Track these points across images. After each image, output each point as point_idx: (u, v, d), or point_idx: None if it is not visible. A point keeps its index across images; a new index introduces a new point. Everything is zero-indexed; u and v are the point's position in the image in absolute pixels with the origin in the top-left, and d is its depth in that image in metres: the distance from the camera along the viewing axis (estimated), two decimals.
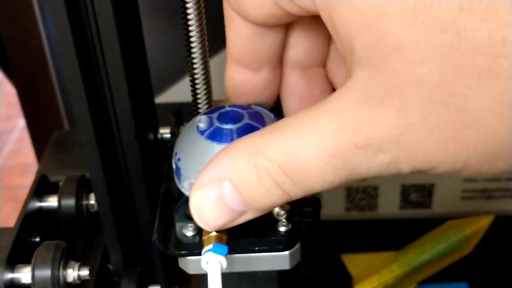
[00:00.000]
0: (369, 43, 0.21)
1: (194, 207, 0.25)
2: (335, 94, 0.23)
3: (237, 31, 0.28)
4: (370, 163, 0.22)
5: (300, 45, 0.29)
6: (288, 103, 0.31)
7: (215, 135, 0.28)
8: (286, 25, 0.28)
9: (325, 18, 0.22)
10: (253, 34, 0.27)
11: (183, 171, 0.29)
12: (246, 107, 0.30)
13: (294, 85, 0.30)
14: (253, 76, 0.29)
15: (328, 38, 0.30)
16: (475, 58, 0.19)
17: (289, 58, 0.30)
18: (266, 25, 0.27)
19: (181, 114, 0.39)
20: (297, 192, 0.23)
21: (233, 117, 0.29)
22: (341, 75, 0.30)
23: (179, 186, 0.30)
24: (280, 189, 0.23)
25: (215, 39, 0.47)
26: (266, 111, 0.30)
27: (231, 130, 0.28)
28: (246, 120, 0.29)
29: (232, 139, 0.28)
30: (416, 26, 0.20)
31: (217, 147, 0.28)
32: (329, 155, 0.22)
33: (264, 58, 0.29)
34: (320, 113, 0.22)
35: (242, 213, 0.25)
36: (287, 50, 0.30)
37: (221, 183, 0.24)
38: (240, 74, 0.29)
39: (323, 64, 0.30)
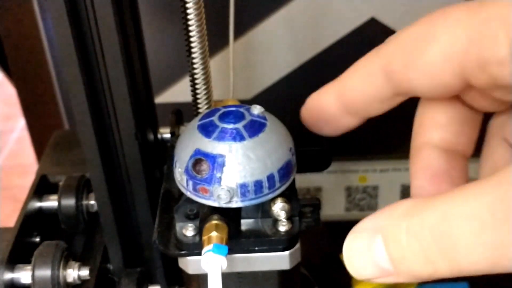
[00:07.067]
0: None
1: (345, 251, 0.25)
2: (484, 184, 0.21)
3: (378, 91, 0.26)
4: None
5: (449, 125, 0.28)
6: (417, 176, 0.29)
7: (223, 136, 0.28)
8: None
9: None
10: (393, 99, 0.27)
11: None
12: (241, 105, 0.30)
13: (431, 160, 0.28)
14: (349, 118, 0.29)
15: (476, 127, 0.28)
16: None
17: (433, 137, 0.28)
18: (423, 95, 0.26)
19: (181, 114, 0.39)
20: (445, 271, 0.22)
21: (237, 116, 0.29)
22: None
23: (184, 190, 0.29)
24: (428, 263, 0.22)
25: (215, 39, 0.47)
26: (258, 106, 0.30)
27: (238, 128, 0.28)
28: (249, 117, 0.29)
29: (241, 137, 0.28)
30: None
31: (225, 147, 0.28)
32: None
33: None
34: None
35: (388, 273, 0.24)
36: (432, 126, 0.28)
37: (374, 235, 0.24)
38: (349, 119, 0.29)
39: (465, 157, 0.28)
